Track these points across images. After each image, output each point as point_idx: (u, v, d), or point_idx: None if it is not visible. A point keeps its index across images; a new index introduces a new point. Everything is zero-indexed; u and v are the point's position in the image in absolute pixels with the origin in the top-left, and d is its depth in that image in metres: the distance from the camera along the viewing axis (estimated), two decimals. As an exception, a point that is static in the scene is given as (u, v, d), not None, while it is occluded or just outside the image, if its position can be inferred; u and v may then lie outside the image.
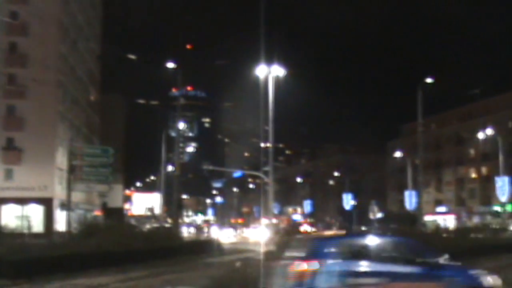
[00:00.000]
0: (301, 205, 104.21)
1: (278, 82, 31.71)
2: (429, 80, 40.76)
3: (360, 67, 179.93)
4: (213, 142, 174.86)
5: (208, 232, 62.34)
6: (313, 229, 58.95)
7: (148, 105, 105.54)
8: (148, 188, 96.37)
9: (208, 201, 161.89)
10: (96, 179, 35.29)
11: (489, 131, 56.57)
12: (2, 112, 52.11)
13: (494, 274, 11.83)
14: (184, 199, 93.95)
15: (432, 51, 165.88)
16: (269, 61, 31.10)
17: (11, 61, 51.59)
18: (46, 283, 17.92)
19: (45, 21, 49.17)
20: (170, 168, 58.18)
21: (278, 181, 76.62)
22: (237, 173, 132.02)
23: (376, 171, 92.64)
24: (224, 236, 53.43)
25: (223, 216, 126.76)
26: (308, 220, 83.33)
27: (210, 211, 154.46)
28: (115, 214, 52.39)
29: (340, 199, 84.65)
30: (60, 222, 46.03)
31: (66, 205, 34.89)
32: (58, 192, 49.63)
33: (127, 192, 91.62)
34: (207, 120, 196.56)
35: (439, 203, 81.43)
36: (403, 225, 41.25)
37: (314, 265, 10.95)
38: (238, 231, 68.60)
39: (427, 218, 58.10)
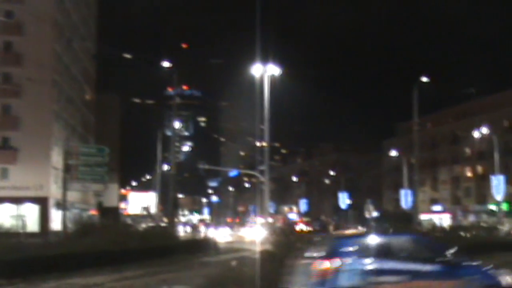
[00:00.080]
0: (297, 204, 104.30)
1: (273, 81, 31.74)
2: (424, 79, 40.85)
3: (355, 66, 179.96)
4: (208, 142, 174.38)
5: (202, 231, 62.17)
6: (309, 228, 58.86)
7: (144, 104, 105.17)
8: (144, 187, 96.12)
9: (204, 200, 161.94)
10: (92, 179, 35.27)
11: (485, 130, 56.80)
12: (-3, 111, 52.04)
13: None
14: (180, 198, 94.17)
15: (428, 50, 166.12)
16: (265, 60, 31.18)
17: (6, 60, 51.53)
18: (42, 283, 17.92)
19: (40, 20, 49.04)
20: (165, 167, 58.23)
21: (273, 180, 76.82)
22: (232, 172, 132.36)
23: (371, 170, 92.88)
24: (220, 235, 53.41)
25: (219, 215, 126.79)
26: (303, 219, 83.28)
27: (206, 210, 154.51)
28: (111, 213, 52.42)
29: (336, 198, 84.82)
30: (56, 221, 46.00)
31: (61, 205, 34.76)
32: (54, 191, 49.50)
33: (123, 191, 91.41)
34: (203, 119, 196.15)
35: (434, 202, 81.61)
36: (399, 224, 41.27)
37: (337, 263, 11.02)
38: (234, 230, 68.55)
39: (423, 217, 58.32)
